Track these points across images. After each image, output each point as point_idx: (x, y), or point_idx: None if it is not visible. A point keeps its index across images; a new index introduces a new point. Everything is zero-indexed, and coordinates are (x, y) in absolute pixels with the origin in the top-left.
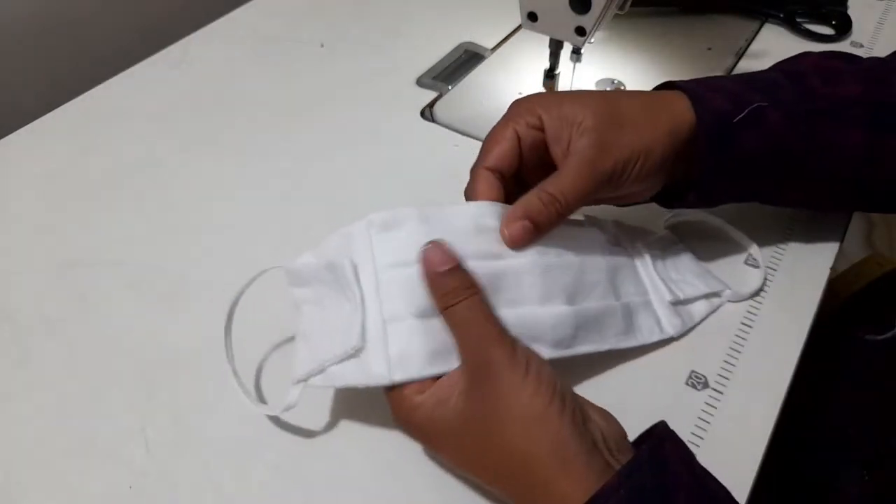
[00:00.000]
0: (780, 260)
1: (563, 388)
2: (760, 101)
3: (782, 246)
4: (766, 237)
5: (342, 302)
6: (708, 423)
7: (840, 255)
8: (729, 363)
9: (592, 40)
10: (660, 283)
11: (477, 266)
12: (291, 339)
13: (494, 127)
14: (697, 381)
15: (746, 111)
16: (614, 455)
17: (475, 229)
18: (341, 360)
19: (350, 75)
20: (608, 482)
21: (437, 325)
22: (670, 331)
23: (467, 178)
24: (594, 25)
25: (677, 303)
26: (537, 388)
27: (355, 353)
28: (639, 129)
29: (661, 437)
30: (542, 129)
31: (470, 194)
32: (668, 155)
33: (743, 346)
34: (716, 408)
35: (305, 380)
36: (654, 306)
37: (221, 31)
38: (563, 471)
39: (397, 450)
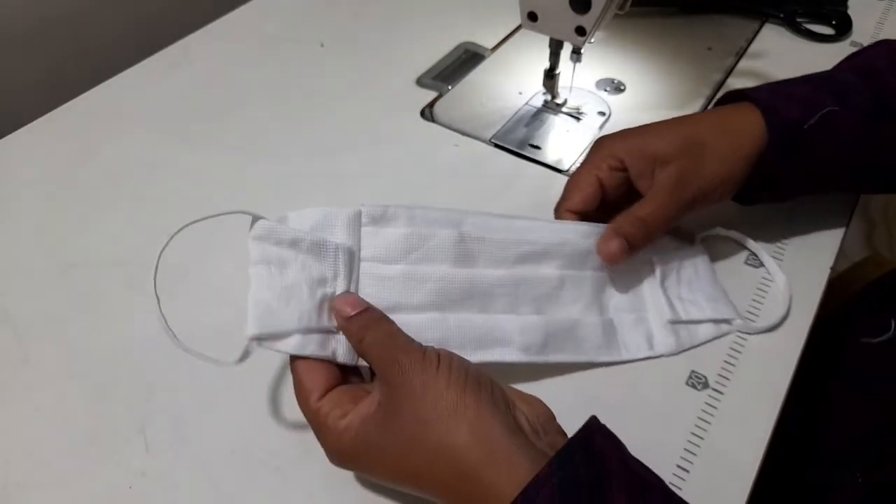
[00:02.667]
0: (780, 260)
1: (480, 375)
2: (832, 106)
3: (783, 245)
4: (767, 236)
5: (310, 276)
6: (708, 423)
7: (840, 255)
8: (729, 363)
9: (592, 40)
10: (662, 301)
11: (453, 273)
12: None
13: (579, 170)
14: (697, 381)
15: (817, 117)
16: (542, 438)
17: (458, 237)
18: (306, 334)
19: (350, 75)
20: (541, 472)
21: (402, 322)
22: (661, 350)
23: (466, 178)
24: (594, 25)
25: (677, 322)
26: (449, 380)
27: (324, 331)
28: (719, 158)
29: (589, 429)
30: (624, 170)
31: None
32: (746, 176)
33: (743, 346)
34: (716, 408)
35: (264, 339)
36: (650, 323)
37: (221, 31)
38: (490, 457)
39: None
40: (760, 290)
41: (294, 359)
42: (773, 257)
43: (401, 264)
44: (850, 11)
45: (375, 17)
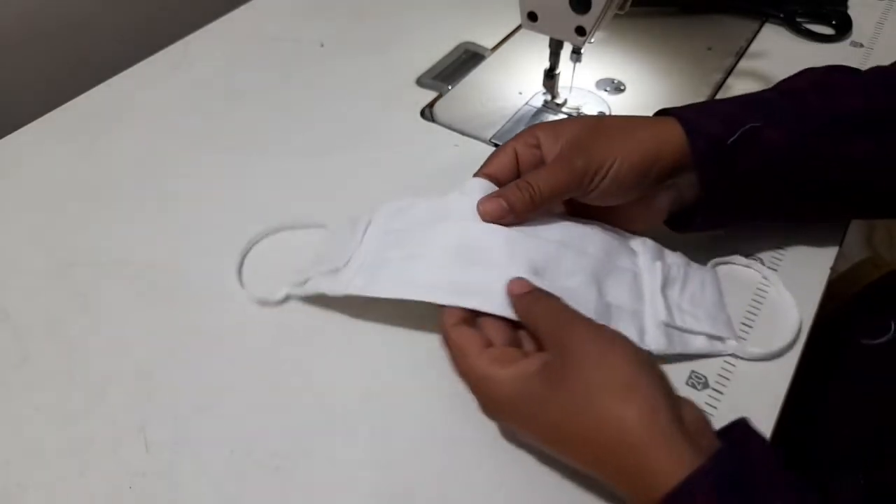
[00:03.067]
0: (780, 260)
1: (655, 364)
2: (754, 123)
3: (783, 245)
4: (767, 236)
5: (348, 241)
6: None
7: (840, 256)
8: (729, 363)
9: (592, 40)
10: (660, 303)
11: (455, 227)
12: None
13: (499, 147)
14: (697, 381)
15: (739, 132)
16: (698, 435)
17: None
18: (322, 274)
19: (350, 75)
20: (705, 463)
21: (404, 257)
22: (651, 345)
23: (466, 178)
24: (594, 25)
25: (671, 326)
26: (626, 356)
27: (334, 272)
28: (615, 139)
29: (745, 430)
30: (537, 147)
31: None
32: (645, 168)
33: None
34: (716, 408)
35: (302, 284)
36: (644, 319)
37: (221, 31)
38: (657, 438)
39: (397, 450)
40: (761, 289)
41: (447, 329)
42: (774, 258)
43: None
44: (850, 11)
45: (375, 17)
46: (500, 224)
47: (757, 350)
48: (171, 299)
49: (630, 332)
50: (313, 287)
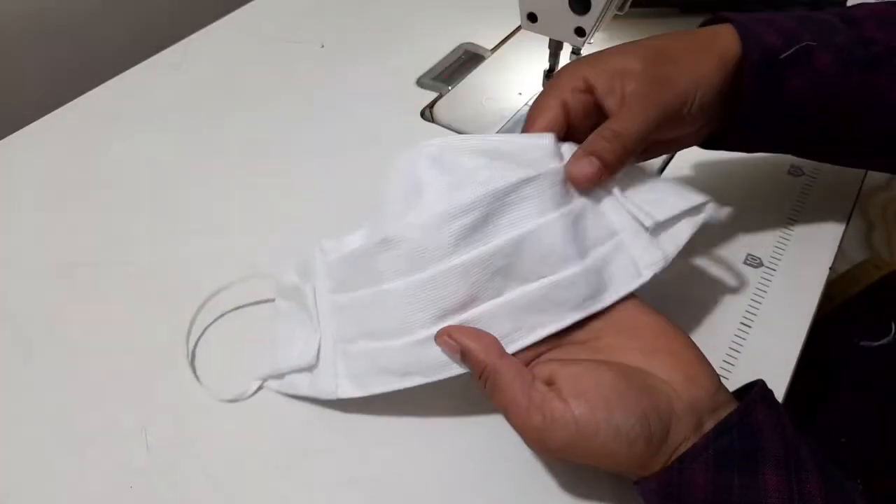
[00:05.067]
0: (779, 259)
1: (613, 415)
2: (810, 41)
3: (782, 245)
4: (766, 236)
5: (305, 320)
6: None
7: (839, 256)
8: (728, 363)
9: (592, 41)
10: (633, 209)
11: (396, 285)
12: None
13: (541, 95)
14: None
15: (794, 49)
16: (703, 424)
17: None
18: (297, 372)
19: (350, 76)
20: (696, 443)
21: (387, 346)
22: (648, 272)
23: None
24: (594, 26)
25: (655, 225)
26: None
27: (309, 369)
28: (689, 64)
29: (753, 400)
30: (589, 91)
31: None
32: (722, 88)
33: (742, 345)
34: None
35: (264, 379)
36: (627, 245)
37: (221, 32)
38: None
39: (397, 450)
40: (760, 289)
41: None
42: (773, 257)
43: (358, 290)
44: None
45: (375, 17)
46: (586, 188)
47: (726, 211)
48: (171, 299)
49: (624, 271)
50: (293, 388)
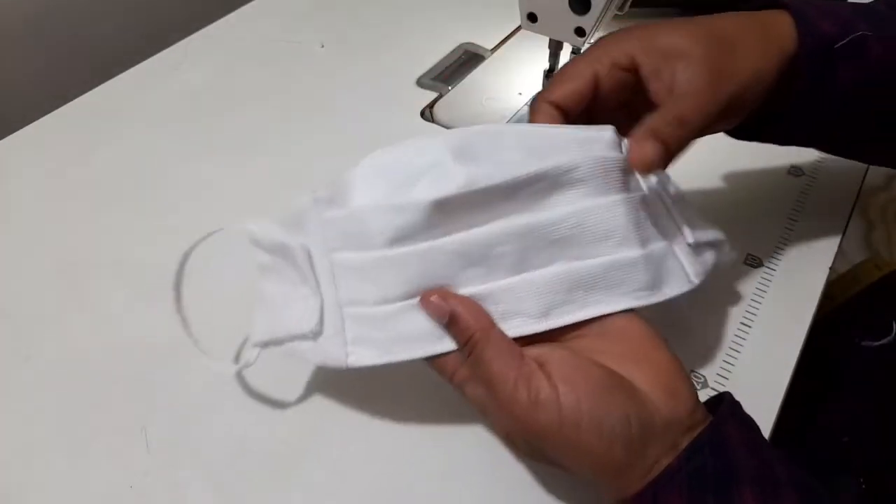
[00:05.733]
0: (779, 259)
1: (597, 407)
2: (865, 31)
3: (782, 245)
4: (766, 236)
5: (299, 281)
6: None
7: (839, 256)
8: (729, 363)
9: (592, 41)
10: (683, 223)
11: (439, 244)
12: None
13: (573, 59)
14: (697, 381)
15: (849, 38)
16: (678, 441)
17: (433, 206)
18: (298, 340)
19: (350, 76)
20: (669, 465)
21: (396, 310)
22: (695, 279)
23: None
24: (594, 26)
25: (699, 245)
26: (562, 417)
27: (313, 337)
28: (751, 53)
29: (723, 417)
30: (631, 70)
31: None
32: (775, 80)
33: (742, 346)
34: None
35: (263, 346)
36: (677, 251)
37: (221, 32)
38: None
39: (398, 451)
40: (760, 289)
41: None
42: (773, 257)
43: (377, 250)
44: None
45: (375, 17)
46: (647, 172)
47: (734, 255)
48: (170, 299)
49: (678, 272)
50: (296, 354)
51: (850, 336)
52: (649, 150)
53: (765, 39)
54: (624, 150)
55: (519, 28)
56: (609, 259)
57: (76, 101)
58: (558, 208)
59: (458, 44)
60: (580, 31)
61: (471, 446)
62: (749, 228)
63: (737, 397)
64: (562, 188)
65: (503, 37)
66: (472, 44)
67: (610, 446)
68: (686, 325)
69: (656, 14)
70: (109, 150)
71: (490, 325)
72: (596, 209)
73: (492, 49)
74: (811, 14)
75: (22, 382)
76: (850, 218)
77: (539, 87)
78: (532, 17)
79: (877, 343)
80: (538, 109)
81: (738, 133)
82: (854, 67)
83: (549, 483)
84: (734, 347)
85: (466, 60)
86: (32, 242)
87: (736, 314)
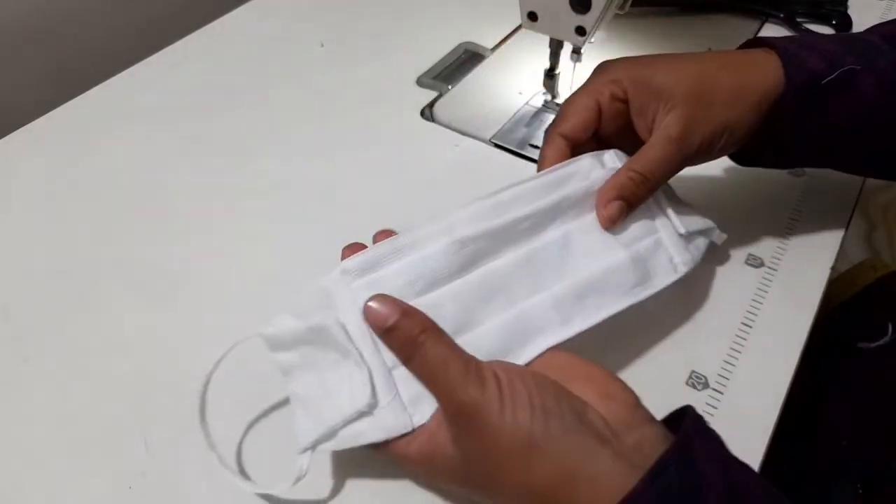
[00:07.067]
0: (780, 259)
1: (543, 393)
2: (853, 64)
3: (783, 245)
4: (767, 236)
5: (338, 361)
6: (708, 423)
7: (840, 256)
8: (729, 363)
9: (593, 40)
10: (671, 213)
11: (463, 284)
12: (278, 406)
13: (578, 92)
14: (697, 381)
15: (837, 73)
16: (623, 436)
17: (451, 245)
18: (354, 421)
19: (350, 75)
20: (634, 488)
21: None
22: (683, 270)
23: (466, 178)
24: (594, 25)
25: (687, 235)
26: (516, 416)
27: (369, 411)
28: (728, 104)
29: (688, 434)
30: (625, 101)
31: (540, 157)
32: (755, 124)
33: (743, 346)
34: (716, 408)
35: (314, 447)
36: (665, 243)
37: (221, 31)
38: (573, 489)
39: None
40: (761, 289)
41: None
42: (774, 257)
43: (410, 300)
44: (850, 11)
45: (375, 17)
46: (614, 227)
47: (724, 236)
48: (171, 299)
49: (665, 265)
50: (355, 440)
51: (847, 337)
52: (615, 210)
53: (745, 89)
54: (608, 163)
55: (519, 27)
56: (599, 267)
57: (76, 100)
58: (549, 235)
59: (458, 43)
60: (581, 30)
61: None
62: (750, 228)
63: (737, 397)
64: (548, 219)
65: (503, 36)
66: (473, 43)
67: (565, 439)
68: (687, 326)
69: (657, 13)
70: (109, 150)
71: (434, 325)
72: (574, 230)
73: (492, 48)
74: (797, 52)
75: (22, 383)
76: (851, 218)
77: (539, 86)
78: (532, 16)
79: (874, 345)
80: (550, 142)
81: (738, 159)
82: (845, 101)
83: None
84: (735, 348)
85: (466, 60)
86: (32, 242)
87: (737, 314)
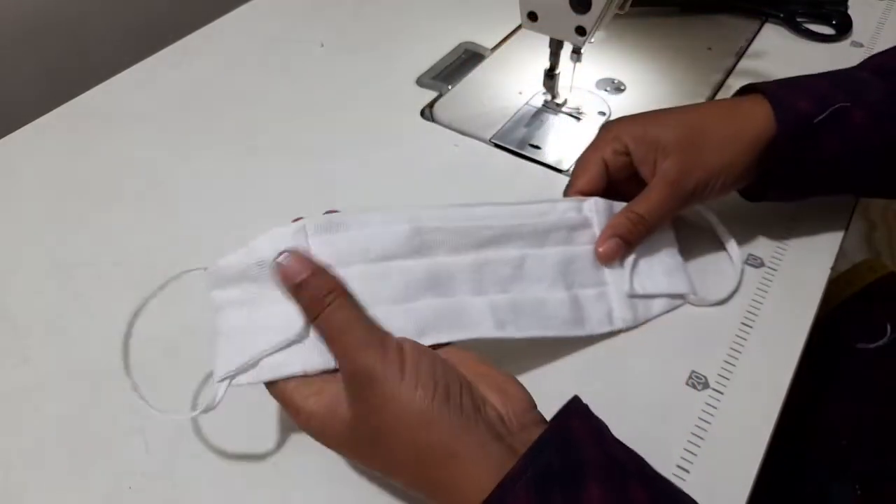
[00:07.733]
0: (780, 259)
1: (447, 376)
2: (844, 102)
3: (783, 245)
4: (767, 236)
5: (276, 298)
6: (708, 423)
7: (840, 256)
8: (729, 363)
9: (592, 40)
10: (623, 273)
11: (413, 264)
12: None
13: (586, 152)
14: (697, 381)
15: (828, 112)
16: (517, 435)
17: (412, 231)
18: (278, 350)
19: (350, 75)
20: (514, 467)
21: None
22: (619, 324)
23: (466, 178)
24: (594, 25)
25: (635, 296)
26: (415, 387)
27: (298, 340)
28: (720, 149)
29: (566, 414)
30: (628, 154)
31: None
32: (750, 165)
33: (743, 346)
34: (716, 408)
35: (233, 376)
36: (610, 297)
37: (221, 31)
38: (458, 468)
39: None
40: (761, 289)
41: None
42: (774, 257)
43: (357, 265)
44: (850, 11)
45: (375, 17)
46: (610, 263)
47: (711, 297)
48: (171, 299)
49: (600, 316)
50: (275, 371)
51: (846, 338)
52: (611, 247)
53: (736, 137)
54: (586, 211)
55: (519, 27)
56: (542, 296)
57: (75, 100)
58: (507, 252)
59: (458, 43)
60: (581, 30)
61: None
62: (750, 228)
63: (737, 398)
64: (510, 238)
65: (503, 36)
66: (473, 43)
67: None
68: (687, 326)
69: (657, 13)
70: (109, 150)
71: (344, 290)
72: (531, 256)
73: (492, 48)
74: (786, 95)
75: (22, 383)
76: (851, 218)
77: (539, 86)
78: (532, 16)
79: (873, 345)
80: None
81: (746, 196)
82: (838, 136)
83: None
84: (735, 348)
85: (466, 59)
86: (32, 242)
87: (737, 314)
